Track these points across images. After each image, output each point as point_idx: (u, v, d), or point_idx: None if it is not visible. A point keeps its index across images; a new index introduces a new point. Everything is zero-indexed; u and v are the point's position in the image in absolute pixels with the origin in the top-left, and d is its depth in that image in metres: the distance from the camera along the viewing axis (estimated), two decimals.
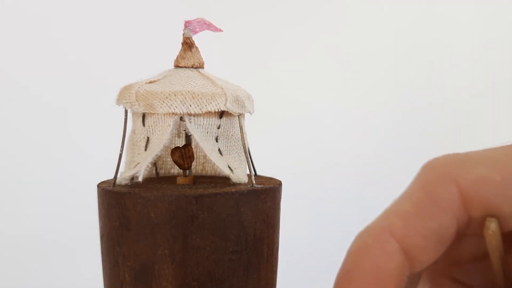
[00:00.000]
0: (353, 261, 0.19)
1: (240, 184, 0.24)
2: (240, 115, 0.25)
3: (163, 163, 0.28)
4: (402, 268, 0.18)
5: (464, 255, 0.22)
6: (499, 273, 0.20)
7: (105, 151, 0.40)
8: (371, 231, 0.19)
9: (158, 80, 0.24)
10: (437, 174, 0.19)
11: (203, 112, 0.23)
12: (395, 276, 0.18)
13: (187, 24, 0.26)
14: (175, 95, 0.23)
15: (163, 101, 0.23)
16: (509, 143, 0.19)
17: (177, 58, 0.26)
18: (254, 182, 0.24)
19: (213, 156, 0.24)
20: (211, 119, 0.24)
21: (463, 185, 0.18)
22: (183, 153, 0.25)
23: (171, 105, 0.23)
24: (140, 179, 0.22)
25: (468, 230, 0.20)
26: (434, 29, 0.76)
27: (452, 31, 0.78)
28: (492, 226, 0.18)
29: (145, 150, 0.24)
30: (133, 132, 0.25)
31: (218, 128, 0.25)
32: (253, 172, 0.25)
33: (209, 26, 0.26)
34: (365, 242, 0.19)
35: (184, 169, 0.25)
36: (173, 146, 0.27)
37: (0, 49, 0.55)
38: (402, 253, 0.18)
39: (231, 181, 0.24)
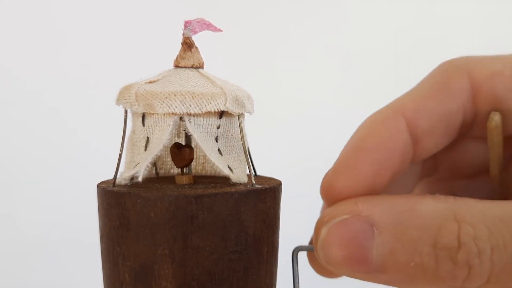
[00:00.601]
0: (362, 134, 0.20)
1: (240, 184, 0.24)
2: (240, 115, 0.25)
3: (163, 163, 0.28)
4: (407, 147, 0.19)
5: (465, 166, 0.23)
6: (495, 169, 0.20)
7: (105, 151, 0.40)
8: (383, 110, 0.20)
9: (158, 80, 0.24)
10: (453, 66, 0.19)
11: (203, 112, 0.23)
12: (401, 151, 0.19)
13: (187, 24, 0.26)
14: (174, 95, 0.23)
15: (163, 101, 0.23)
16: None
17: (177, 58, 0.26)
18: (254, 182, 0.24)
19: (213, 156, 0.24)
20: (211, 119, 0.24)
21: (476, 77, 0.19)
22: (178, 154, 0.25)
23: (171, 105, 0.23)
24: (140, 179, 0.22)
25: (472, 129, 0.20)
26: (434, 29, 0.76)
27: (453, 31, 0.78)
28: (495, 119, 0.19)
29: (145, 150, 0.24)
30: (133, 132, 0.25)
31: (218, 128, 0.25)
32: (253, 172, 0.25)
33: (209, 26, 0.26)
34: (375, 119, 0.20)
35: (179, 167, 0.25)
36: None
37: (2, 49, 0.55)
38: (409, 134, 0.19)
39: (231, 181, 0.24)
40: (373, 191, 0.20)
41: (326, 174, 0.22)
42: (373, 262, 0.18)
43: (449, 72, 0.19)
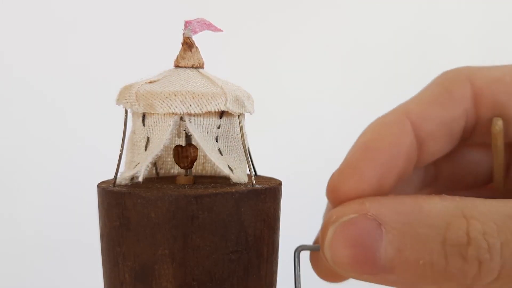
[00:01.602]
0: (369, 135, 0.20)
1: (240, 184, 0.24)
2: (240, 115, 0.25)
3: (163, 163, 0.28)
4: (412, 149, 0.19)
5: (465, 175, 0.23)
6: (499, 174, 0.20)
7: (105, 151, 0.40)
8: (389, 113, 0.21)
9: (158, 80, 0.24)
10: (455, 74, 0.20)
11: (203, 112, 0.23)
12: (406, 153, 0.19)
13: (187, 24, 0.26)
14: (175, 95, 0.23)
15: (163, 101, 0.23)
16: None
17: (177, 58, 0.26)
18: (254, 182, 0.24)
19: (213, 156, 0.24)
20: (211, 119, 0.24)
21: (477, 84, 0.19)
22: (180, 152, 0.25)
23: (171, 105, 0.23)
24: (140, 179, 0.22)
25: (473, 136, 0.21)
26: (433, 28, 0.76)
27: (452, 30, 0.78)
28: (499, 124, 0.19)
29: (145, 150, 0.24)
30: (133, 132, 0.25)
31: (218, 128, 0.25)
32: (253, 172, 0.25)
33: (209, 26, 0.26)
34: (382, 121, 0.20)
35: (186, 168, 0.25)
36: (173, 146, 0.27)
37: (3, 49, 0.55)
38: (414, 136, 0.19)
39: (231, 181, 0.24)
40: (379, 193, 0.20)
41: (332, 175, 0.22)
42: (381, 262, 0.18)
43: (452, 79, 0.20)
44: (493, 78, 0.20)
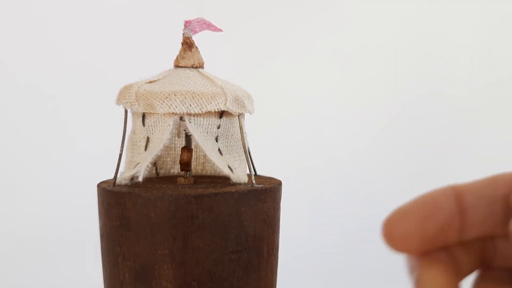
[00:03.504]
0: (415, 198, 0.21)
1: (240, 184, 0.24)
2: (240, 115, 0.25)
3: (163, 163, 0.28)
4: (451, 209, 0.21)
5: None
6: None
7: (105, 151, 0.40)
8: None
9: (158, 80, 0.24)
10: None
11: (203, 112, 0.23)
12: (445, 209, 0.21)
13: (187, 24, 0.26)
14: (175, 95, 0.23)
15: (163, 101, 0.23)
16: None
17: (177, 58, 0.26)
18: (254, 182, 0.24)
19: (213, 156, 0.24)
20: (211, 119, 0.24)
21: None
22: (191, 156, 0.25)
23: (171, 105, 0.23)
24: (140, 179, 0.22)
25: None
26: (434, 27, 0.76)
27: (452, 29, 0.78)
28: None
29: (145, 150, 0.24)
30: (133, 132, 0.25)
31: (218, 128, 0.25)
32: (253, 172, 0.25)
33: (209, 26, 0.26)
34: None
35: (188, 171, 0.25)
36: (173, 146, 0.27)
37: (3, 49, 0.55)
38: (455, 201, 0.21)
39: (231, 181, 0.24)
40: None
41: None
42: None
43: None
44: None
